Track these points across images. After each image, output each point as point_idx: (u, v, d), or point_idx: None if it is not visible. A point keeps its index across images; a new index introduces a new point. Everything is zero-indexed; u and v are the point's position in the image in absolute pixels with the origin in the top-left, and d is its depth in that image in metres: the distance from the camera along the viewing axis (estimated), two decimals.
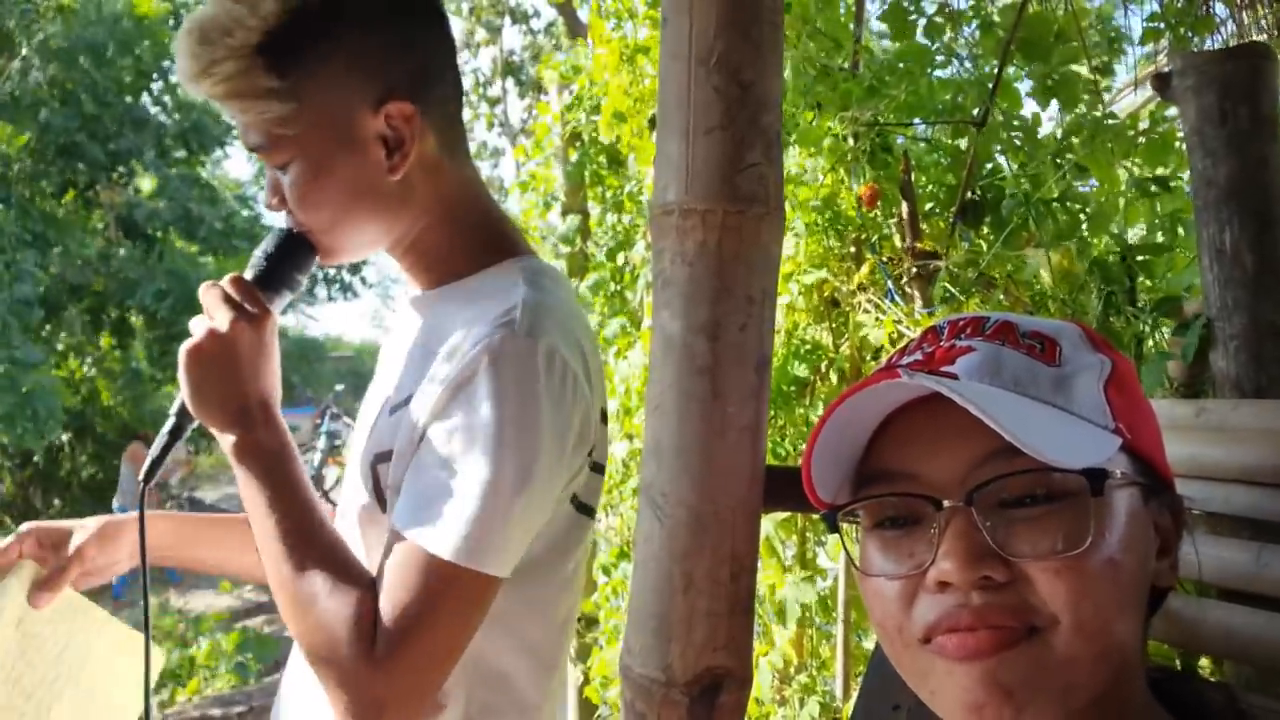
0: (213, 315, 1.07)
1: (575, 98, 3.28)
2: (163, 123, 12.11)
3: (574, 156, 3.41)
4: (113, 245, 10.95)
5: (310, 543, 1.02)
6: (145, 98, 12.01)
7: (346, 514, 1.16)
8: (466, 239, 1.14)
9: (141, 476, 1.14)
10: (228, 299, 1.07)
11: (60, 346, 11.08)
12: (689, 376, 0.96)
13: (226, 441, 1.06)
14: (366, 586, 1.00)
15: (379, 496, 1.09)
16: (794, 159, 1.94)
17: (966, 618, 0.64)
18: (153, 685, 1.17)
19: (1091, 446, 0.65)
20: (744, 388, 0.97)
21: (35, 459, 10.77)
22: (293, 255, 1.12)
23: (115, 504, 10.23)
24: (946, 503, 0.65)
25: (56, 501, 10.88)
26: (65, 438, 10.82)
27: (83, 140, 10.88)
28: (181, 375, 1.07)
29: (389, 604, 0.97)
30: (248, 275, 1.12)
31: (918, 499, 0.67)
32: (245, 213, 13.24)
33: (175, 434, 1.13)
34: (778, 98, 1.00)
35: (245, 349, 1.06)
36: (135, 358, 11.12)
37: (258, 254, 1.12)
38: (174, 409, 1.13)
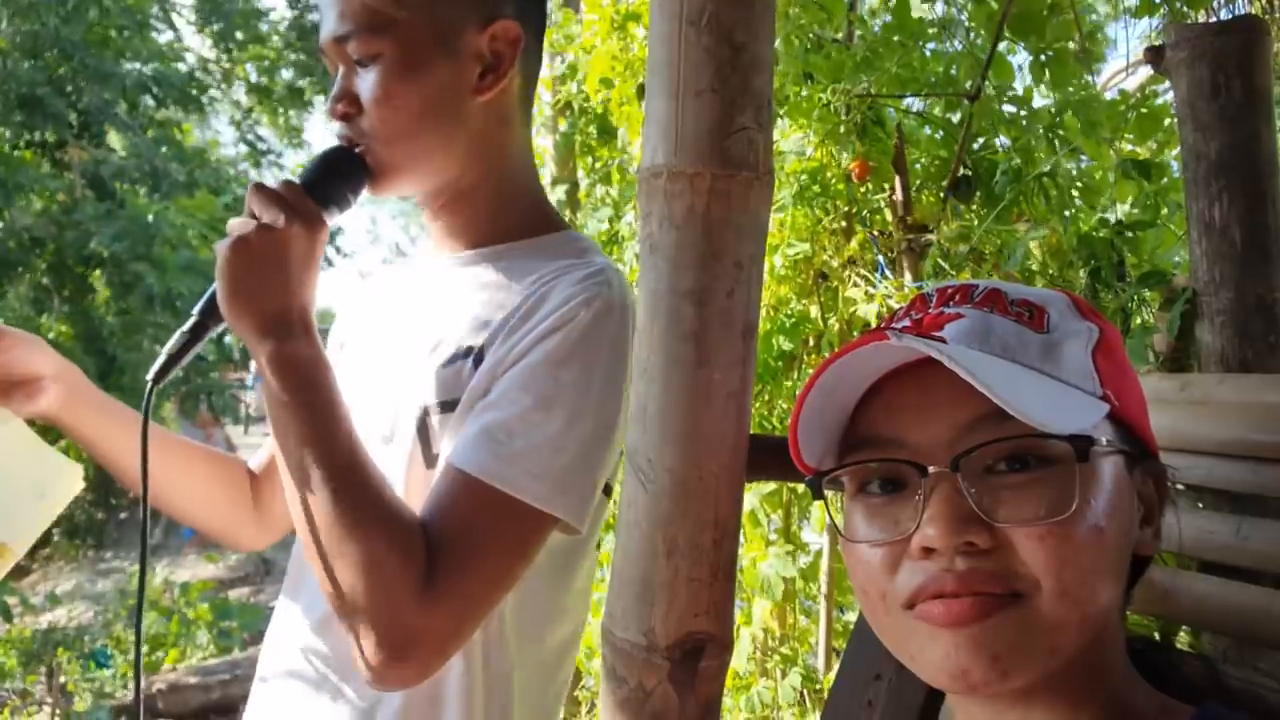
0: (262, 214, 0.99)
1: (569, 67, 3.25)
2: (129, 74, 11.87)
3: (563, 126, 3.39)
4: (77, 202, 10.74)
5: (351, 465, 0.95)
6: (111, 52, 11.77)
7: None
8: (521, 205, 1.15)
9: (151, 375, 1.02)
10: (281, 200, 0.99)
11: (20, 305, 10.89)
12: (675, 341, 0.96)
13: (262, 350, 0.97)
14: (413, 517, 0.95)
15: (425, 449, 1.05)
16: (784, 130, 1.93)
17: (951, 583, 0.64)
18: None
19: (1078, 412, 0.65)
20: (730, 354, 0.97)
21: None
22: (346, 171, 1.07)
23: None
24: (932, 468, 0.65)
25: None
26: None
27: (47, 94, 10.67)
28: (220, 270, 0.97)
29: (443, 536, 0.93)
30: (296, 182, 1.04)
31: (903, 465, 0.67)
32: (207, 167, 12.98)
33: (195, 334, 1.02)
34: (769, 61, 0.99)
35: (297, 252, 0.98)
36: (96, 315, 10.89)
37: (310, 164, 1.07)
38: (198, 307, 1.03)
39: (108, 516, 10.83)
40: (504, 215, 1.13)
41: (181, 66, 12.99)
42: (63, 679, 5.90)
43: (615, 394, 1.02)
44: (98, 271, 10.68)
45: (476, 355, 1.04)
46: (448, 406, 1.04)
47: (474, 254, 1.13)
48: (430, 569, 0.91)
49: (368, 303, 1.29)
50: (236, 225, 0.99)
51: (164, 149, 12.17)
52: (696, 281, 0.95)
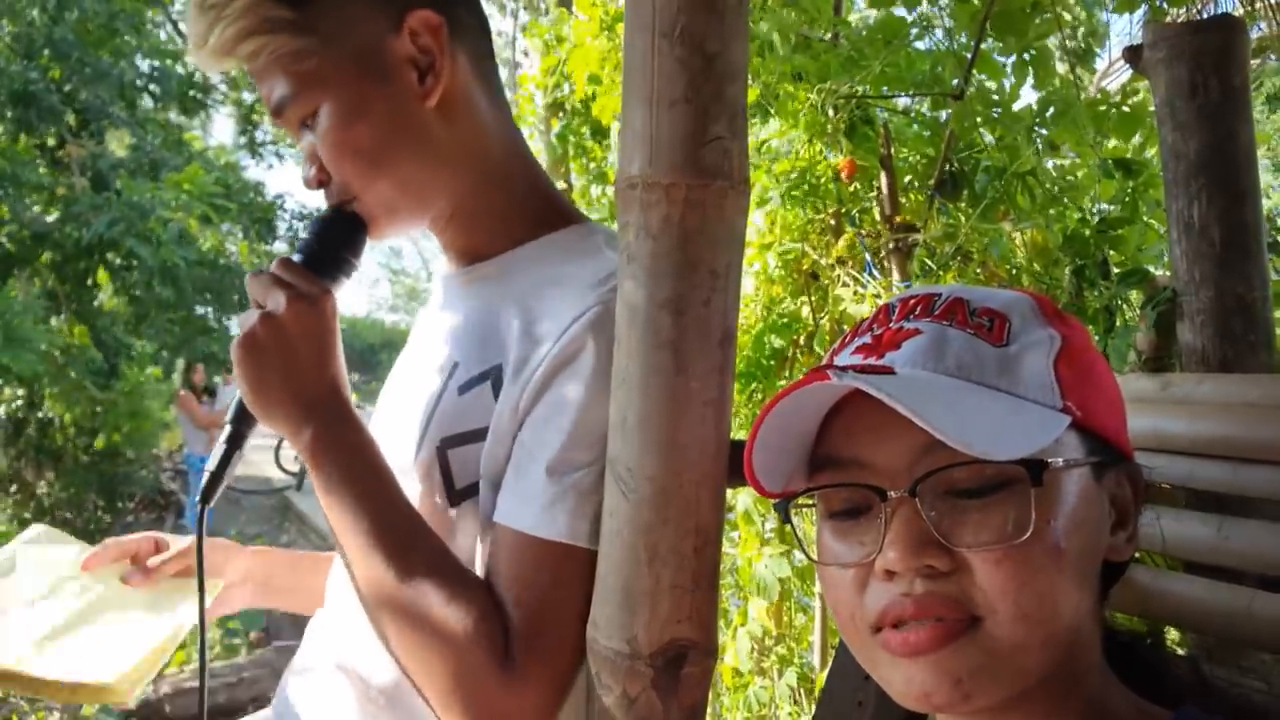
0: (264, 302, 0.96)
1: (560, 63, 3.24)
2: (125, 72, 11.82)
3: (556, 128, 3.39)
4: (78, 195, 10.75)
5: (413, 545, 0.92)
6: (105, 51, 11.74)
7: None
8: (521, 204, 1.08)
9: (199, 496, 1.01)
10: (279, 282, 0.96)
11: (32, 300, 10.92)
12: (653, 351, 0.96)
13: (299, 441, 0.95)
14: (483, 588, 0.92)
15: (448, 487, 1.00)
16: (772, 130, 1.93)
17: (910, 607, 0.64)
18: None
19: (1033, 431, 0.65)
20: (708, 362, 0.97)
21: (28, 430, 10.71)
22: (341, 234, 1.02)
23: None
24: (892, 493, 0.66)
25: (50, 475, 10.83)
26: (59, 412, 10.73)
27: (41, 92, 10.68)
28: (238, 371, 0.95)
29: (515, 604, 0.90)
30: (295, 259, 1.01)
31: (864, 489, 0.68)
32: (204, 158, 13.00)
33: (234, 443, 1.01)
34: (743, 69, 0.99)
35: (308, 333, 0.95)
36: (101, 308, 10.95)
37: (303, 237, 1.03)
38: (230, 414, 1.01)
39: (113, 521, 10.86)
40: (506, 216, 1.07)
41: (181, 69, 12.99)
42: None
43: None
44: (100, 264, 10.73)
45: (495, 379, 0.99)
46: (470, 437, 0.99)
47: (479, 267, 1.08)
48: (509, 644, 0.89)
49: (415, 327, 1.25)
50: (244, 319, 0.96)
51: (161, 140, 12.21)
52: (673, 291, 0.95)
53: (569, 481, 0.93)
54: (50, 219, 10.41)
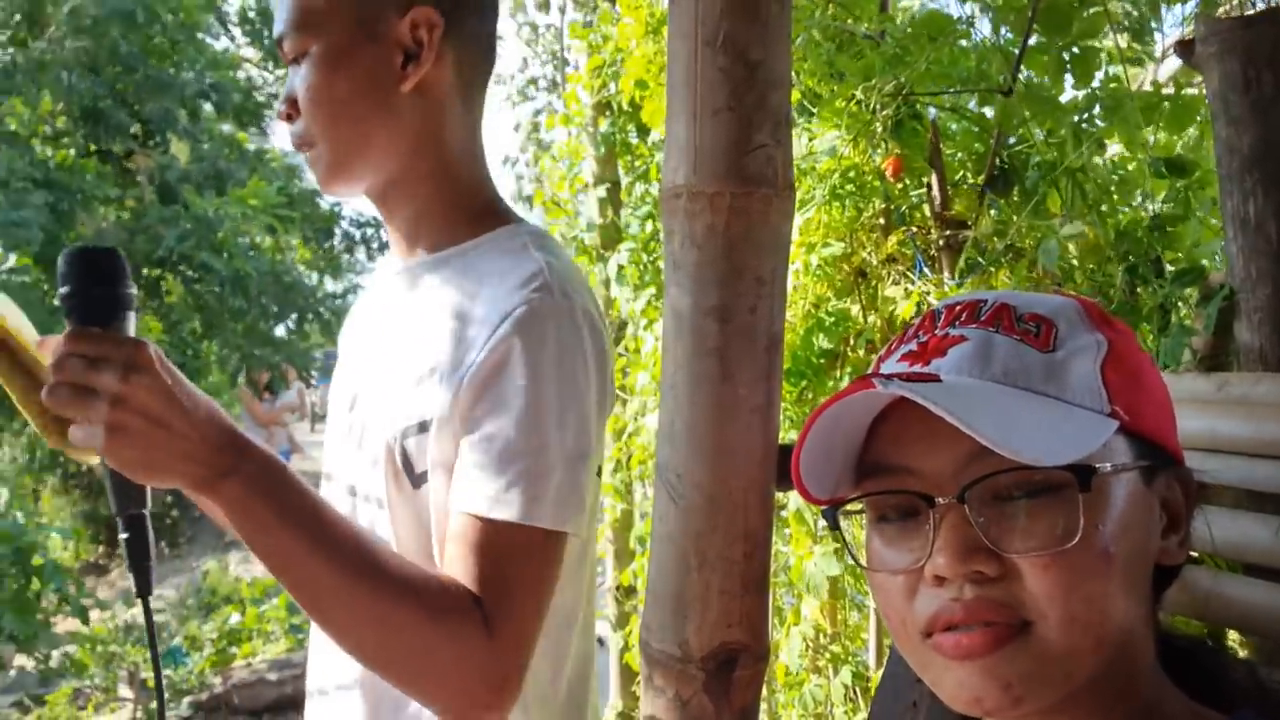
0: (93, 385, 0.84)
1: (607, 63, 3.25)
2: (187, 84, 12.07)
3: (604, 126, 3.40)
4: (146, 208, 11.03)
5: (368, 556, 0.95)
6: (171, 65, 11.99)
7: (368, 496, 1.12)
8: (470, 202, 1.14)
9: (137, 593, 0.94)
10: (91, 361, 0.84)
11: None
12: (699, 358, 0.97)
13: (221, 495, 0.90)
14: (444, 578, 0.98)
15: (409, 472, 1.06)
16: (816, 129, 1.92)
17: (959, 612, 0.65)
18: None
19: (1081, 437, 0.64)
20: (754, 369, 0.98)
21: None
22: (102, 269, 0.91)
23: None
24: (940, 499, 0.66)
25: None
26: None
27: (109, 107, 10.90)
28: (122, 468, 0.88)
29: (480, 579, 0.96)
30: (73, 325, 0.88)
31: (913, 496, 0.68)
32: (266, 167, 13.25)
33: (137, 526, 0.93)
34: (786, 76, 1.00)
35: (162, 391, 0.86)
36: (171, 319, 11.23)
37: (63, 292, 0.89)
38: (114, 508, 0.92)
39: (182, 514, 11.14)
40: (453, 214, 1.13)
41: (239, 76, 13.26)
42: (143, 675, 6.10)
43: (581, 392, 1.03)
44: (170, 276, 11.02)
45: (440, 374, 1.04)
46: (423, 428, 1.05)
47: (427, 260, 1.13)
48: (484, 614, 0.95)
49: (358, 313, 1.31)
50: (75, 409, 0.85)
51: (226, 151, 12.49)
52: (719, 299, 0.97)
53: (518, 468, 0.98)
54: (120, 229, 10.70)
